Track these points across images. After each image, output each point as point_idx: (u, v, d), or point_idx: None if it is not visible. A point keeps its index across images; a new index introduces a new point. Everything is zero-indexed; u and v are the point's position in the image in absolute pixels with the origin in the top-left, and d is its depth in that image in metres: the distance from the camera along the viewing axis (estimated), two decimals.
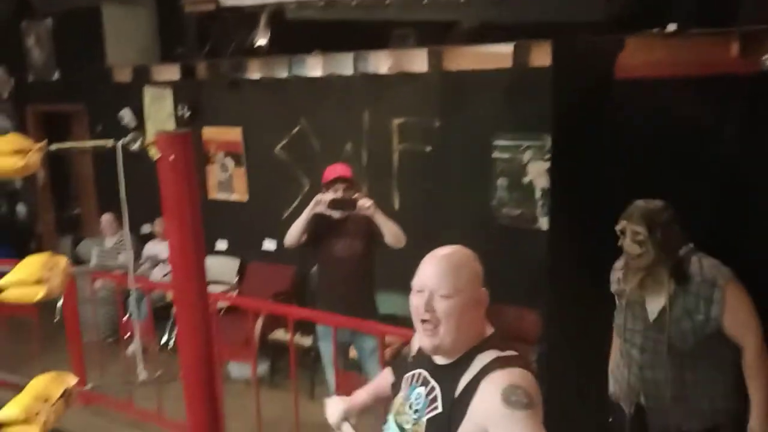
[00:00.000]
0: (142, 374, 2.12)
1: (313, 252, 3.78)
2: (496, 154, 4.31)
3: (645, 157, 3.24)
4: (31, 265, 1.90)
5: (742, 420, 2.41)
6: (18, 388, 1.96)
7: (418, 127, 4.62)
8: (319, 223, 3.60)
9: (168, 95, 5.81)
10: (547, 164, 4.09)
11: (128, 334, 5.39)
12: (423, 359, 1.65)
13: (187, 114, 5.64)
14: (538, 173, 4.18)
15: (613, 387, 2.76)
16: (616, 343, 2.73)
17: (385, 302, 4.10)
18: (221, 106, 5.56)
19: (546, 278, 3.44)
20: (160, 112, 5.88)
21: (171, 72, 5.76)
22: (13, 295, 1.84)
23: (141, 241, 5.87)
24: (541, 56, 3.98)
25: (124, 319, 5.34)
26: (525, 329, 4.13)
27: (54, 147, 1.90)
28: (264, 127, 5.34)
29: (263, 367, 4.81)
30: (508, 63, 4.17)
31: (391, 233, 3.53)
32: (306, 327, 4.27)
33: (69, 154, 7.02)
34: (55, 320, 5.77)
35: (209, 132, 5.61)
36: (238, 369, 4.78)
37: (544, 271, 3.45)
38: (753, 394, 2.38)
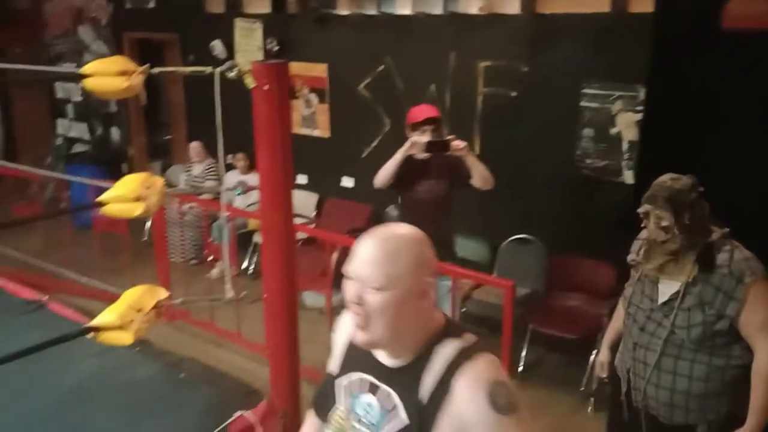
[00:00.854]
0: (229, 293, 2.24)
1: (395, 192, 3.81)
2: (584, 103, 4.18)
3: (746, 117, 3.08)
4: (130, 183, 2.02)
5: (728, 424, 2.22)
6: (111, 298, 2.11)
7: (505, 71, 4.52)
8: (404, 164, 3.60)
9: (258, 28, 5.88)
10: (638, 116, 3.94)
11: (211, 257, 5.67)
12: (362, 361, 1.41)
13: (276, 48, 5.71)
14: (626, 125, 4.04)
15: (601, 356, 2.70)
16: (620, 312, 2.58)
17: (459, 246, 4.14)
18: (309, 42, 5.59)
19: (626, 233, 3.37)
20: (249, 44, 5.97)
21: (262, 5, 5.81)
22: (113, 209, 1.96)
23: (225, 170, 6.08)
24: (642, 2, 3.79)
25: (209, 242, 5.61)
26: (599, 282, 4.09)
27: (156, 70, 1.98)
28: (349, 64, 5.35)
29: (335, 299, 4.95)
30: (605, 7, 3.99)
31: (481, 175, 3.52)
32: None
33: (162, 82, 7.25)
34: (144, 239, 6.14)
35: (295, 67, 5.66)
36: (313, 298, 4.94)
37: (625, 225, 3.38)
38: (755, 400, 2.16)
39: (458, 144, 3.49)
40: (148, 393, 2.42)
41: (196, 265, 5.85)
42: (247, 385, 2.59)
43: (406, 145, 3.56)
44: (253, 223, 5.45)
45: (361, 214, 5.40)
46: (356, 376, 1.42)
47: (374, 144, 5.32)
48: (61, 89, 7.93)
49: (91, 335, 2.06)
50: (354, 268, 1.32)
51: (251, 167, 5.77)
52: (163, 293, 2.19)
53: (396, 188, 3.74)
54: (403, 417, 1.31)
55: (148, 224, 6.10)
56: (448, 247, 3.76)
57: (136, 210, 1.94)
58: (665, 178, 2.24)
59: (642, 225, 2.29)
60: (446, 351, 1.32)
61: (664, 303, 2.26)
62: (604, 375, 2.66)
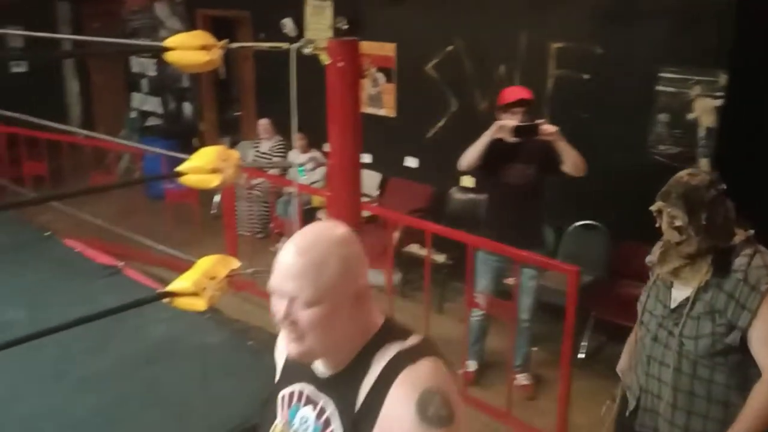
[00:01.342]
0: None
1: (483, 176, 3.76)
2: (659, 87, 4.05)
3: None
4: (207, 155, 2.08)
5: None
6: (182, 267, 2.19)
7: (578, 53, 4.41)
8: (492, 147, 3.50)
9: (328, 7, 5.92)
10: (717, 102, 3.79)
11: (276, 231, 5.79)
12: (300, 372, 1.30)
13: (345, 27, 5.74)
14: (704, 111, 3.90)
15: (621, 363, 2.39)
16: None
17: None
18: (378, 21, 5.59)
19: None
20: (319, 23, 6.03)
21: None
22: (191, 180, 2.03)
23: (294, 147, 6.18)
24: None
25: (275, 216, 5.73)
26: None
27: (234, 45, 2.03)
28: (418, 44, 5.33)
29: (395, 278, 5.01)
30: None
31: (573, 161, 3.39)
32: (439, 244, 4.36)
33: (234, 59, 7.39)
34: (212, 212, 6.32)
35: (364, 46, 5.64)
36: (373, 276, 4.99)
37: None
38: (744, 417, 1.92)
39: (548, 128, 3.35)
40: (217, 358, 2.53)
41: (262, 238, 5.99)
42: None
43: (492, 128, 3.46)
44: (317, 201, 5.54)
45: (423, 194, 5.41)
46: (294, 387, 1.32)
47: (440, 125, 5.30)
48: (136, 64, 8.19)
49: (166, 300, 2.15)
50: (278, 283, 1.17)
51: (309, 147, 5.87)
52: (235, 263, 2.26)
53: (482, 171, 3.67)
54: (337, 429, 1.21)
55: (217, 198, 6.28)
56: (534, 236, 3.66)
57: (213, 181, 2.01)
58: (682, 173, 2.01)
59: (656, 225, 2.06)
60: (385, 356, 1.20)
61: (674, 309, 2.04)
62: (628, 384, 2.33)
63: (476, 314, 3.82)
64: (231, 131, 7.73)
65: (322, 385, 1.26)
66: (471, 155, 3.52)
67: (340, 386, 1.23)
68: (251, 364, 2.46)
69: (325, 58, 2.00)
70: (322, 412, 1.24)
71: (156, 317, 2.68)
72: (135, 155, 6.90)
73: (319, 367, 1.27)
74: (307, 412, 1.27)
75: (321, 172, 5.82)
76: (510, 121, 3.43)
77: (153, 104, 8.17)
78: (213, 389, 2.31)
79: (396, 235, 4.70)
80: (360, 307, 1.20)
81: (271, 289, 1.18)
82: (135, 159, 6.98)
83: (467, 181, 5.15)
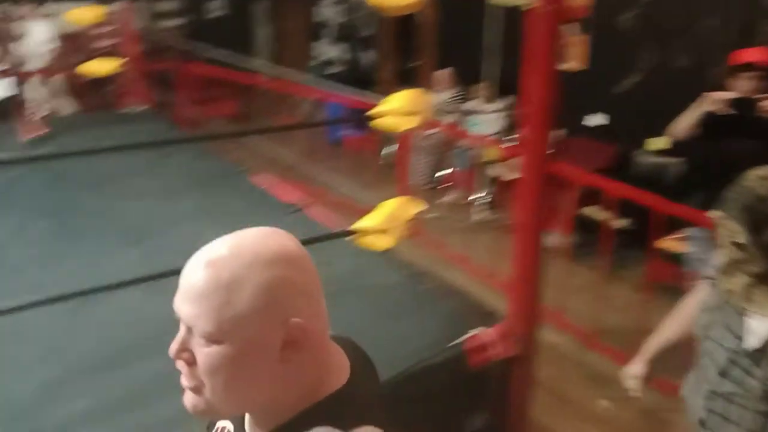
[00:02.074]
0: (476, 215, 2.28)
1: (697, 146, 3.47)
2: None
3: None
4: (401, 98, 2.11)
5: None
6: (357, 209, 2.26)
7: None
8: (707, 119, 3.17)
9: None
10: None
11: (448, 183, 5.82)
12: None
13: None
14: None
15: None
16: (679, 322, 1.95)
17: None
18: None
19: None
20: None
21: None
22: (385, 122, 2.08)
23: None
24: None
25: (447, 171, 5.74)
26: None
27: None
28: None
29: (567, 240, 4.84)
30: None
31: None
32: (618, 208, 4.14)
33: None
34: (380, 163, 6.47)
35: None
36: (550, 237, 4.88)
37: None
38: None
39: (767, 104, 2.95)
40: (392, 298, 2.59)
41: (432, 189, 6.05)
42: (483, 305, 2.67)
43: (703, 101, 3.14)
44: (491, 154, 5.46)
45: (605, 153, 5.14)
46: (223, 422, 1.00)
47: (632, 81, 4.96)
48: (321, 12, 8.46)
49: (353, 237, 2.24)
50: (176, 302, 0.84)
51: (492, 98, 5.76)
52: (420, 206, 2.31)
53: (698, 142, 3.35)
54: None
55: (387, 150, 6.40)
56: None
57: (407, 124, 2.03)
58: (753, 176, 1.64)
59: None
60: None
61: (756, 350, 1.60)
62: (637, 391, 2.02)
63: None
64: (409, 81, 7.79)
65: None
66: (681, 126, 3.24)
67: None
68: (425, 308, 2.50)
69: (527, 4, 1.92)
70: None
71: (334, 255, 2.80)
72: (316, 101, 7.20)
73: (247, 421, 0.94)
74: None
75: (500, 123, 5.71)
76: (724, 93, 3.07)
77: (335, 52, 8.43)
78: (389, 328, 2.37)
79: (575, 195, 4.52)
80: (287, 360, 0.83)
81: (175, 308, 0.85)
82: (318, 104, 7.30)
83: (659, 143, 4.80)
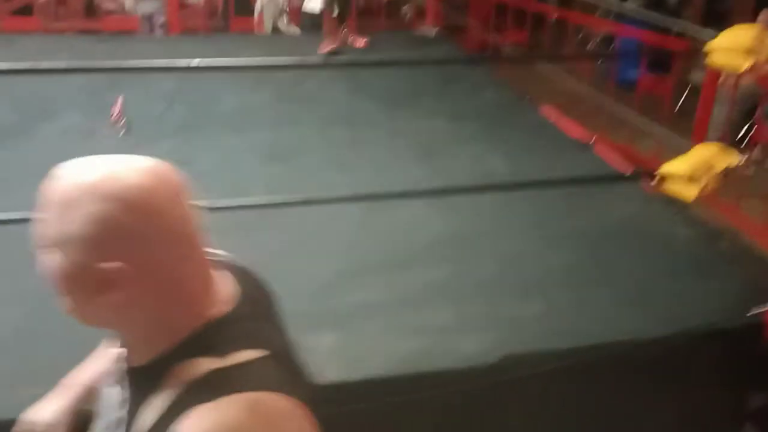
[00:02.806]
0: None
1: None
2: None
3: None
4: (739, 34, 1.86)
5: None
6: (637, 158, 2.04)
7: None
8: None
9: None
10: None
11: (754, 140, 5.13)
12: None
13: None
14: None
15: None
16: None
17: None
18: None
19: None
20: None
21: None
22: (718, 58, 1.85)
23: None
24: None
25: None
26: None
27: None
28: None
29: None
30: None
31: None
32: None
33: None
34: (674, 111, 5.84)
35: None
36: None
37: None
38: None
39: None
40: (683, 254, 2.37)
41: (734, 146, 5.37)
42: None
43: None
44: None
45: None
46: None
47: None
48: None
49: (653, 182, 2.08)
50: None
51: None
52: (735, 157, 2.05)
53: None
54: None
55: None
56: None
57: (744, 63, 1.79)
58: None
59: None
60: (184, 375, 0.83)
61: None
62: None
63: None
64: (717, 22, 6.96)
65: (128, 371, 0.92)
66: None
67: (136, 386, 0.90)
68: (721, 269, 2.26)
69: None
70: (121, 407, 0.92)
71: (625, 197, 2.63)
72: (606, 37, 6.76)
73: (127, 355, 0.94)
74: (113, 395, 0.95)
75: None
76: None
77: None
78: (674, 283, 2.19)
79: None
80: (117, 299, 0.82)
81: None
82: (607, 40, 6.85)
83: None
